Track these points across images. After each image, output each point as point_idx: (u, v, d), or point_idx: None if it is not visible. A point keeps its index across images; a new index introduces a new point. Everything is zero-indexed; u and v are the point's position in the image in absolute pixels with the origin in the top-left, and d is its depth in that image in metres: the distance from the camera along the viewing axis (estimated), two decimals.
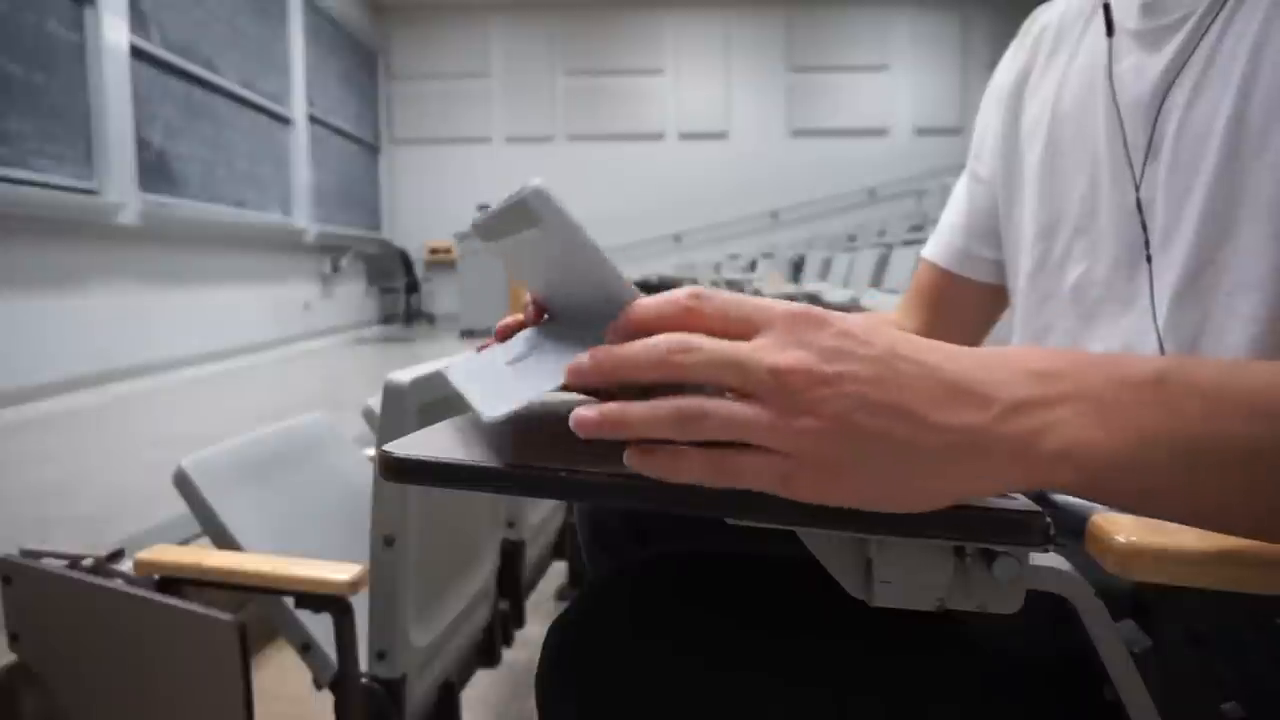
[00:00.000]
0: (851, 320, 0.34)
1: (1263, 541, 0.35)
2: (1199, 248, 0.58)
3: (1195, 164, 0.58)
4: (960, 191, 0.86)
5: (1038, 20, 0.79)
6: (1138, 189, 0.63)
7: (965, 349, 0.36)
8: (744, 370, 0.32)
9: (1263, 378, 0.34)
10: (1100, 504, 0.36)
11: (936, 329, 0.84)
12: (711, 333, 0.34)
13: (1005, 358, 0.35)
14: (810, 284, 3.68)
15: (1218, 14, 0.58)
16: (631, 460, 0.34)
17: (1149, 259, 0.62)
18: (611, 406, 0.33)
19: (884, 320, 0.43)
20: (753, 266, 7.58)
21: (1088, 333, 0.67)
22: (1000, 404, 0.33)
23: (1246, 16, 0.56)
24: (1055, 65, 0.74)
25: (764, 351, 0.32)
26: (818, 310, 0.34)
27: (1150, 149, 0.62)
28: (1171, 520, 0.35)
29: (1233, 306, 0.55)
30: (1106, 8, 0.67)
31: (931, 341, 0.36)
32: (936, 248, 0.86)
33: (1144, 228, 0.62)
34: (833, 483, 0.33)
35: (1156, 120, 0.61)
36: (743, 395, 0.33)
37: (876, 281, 4.42)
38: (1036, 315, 0.73)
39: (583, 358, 0.34)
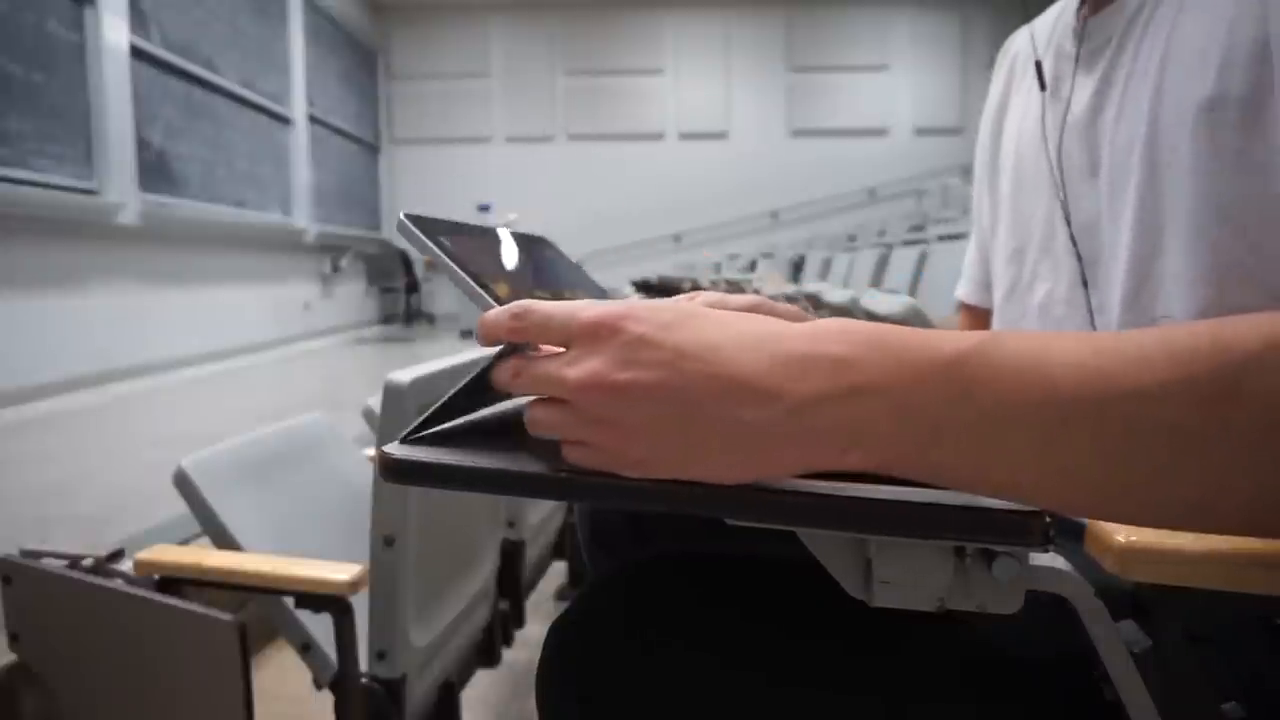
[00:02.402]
0: (648, 321, 0.36)
1: (1066, 515, 0.36)
2: (1136, 263, 0.60)
3: (1126, 182, 0.60)
4: (974, 226, 0.89)
5: (1010, 48, 0.83)
6: (1069, 222, 0.66)
7: (777, 331, 0.36)
8: (552, 386, 0.37)
9: (1065, 360, 0.34)
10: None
11: None
12: (539, 342, 0.39)
13: (812, 342, 0.35)
14: (810, 284, 3.68)
15: (1135, 32, 0.60)
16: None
17: (1085, 283, 0.65)
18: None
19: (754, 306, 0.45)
20: (752, 266, 7.57)
21: None
22: (788, 398, 0.34)
23: (1156, 32, 0.59)
24: (1021, 92, 0.78)
25: (566, 367, 0.37)
26: (613, 316, 0.37)
27: (1090, 168, 0.65)
28: (971, 492, 0.35)
29: (1170, 319, 0.57)
30: (1038, 65, 0.71)
31: (743, 329, 0.36)
32: (962, 286, 0.90)
33: (1079, 258, 0.66)
34: (645, 467, 0.36)
35: (1087, 141, 0.64)
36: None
37: (876, 281, 4.42)
38: None
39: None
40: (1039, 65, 0.71)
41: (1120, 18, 0.63)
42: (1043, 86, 0.70)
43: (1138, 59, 0.60)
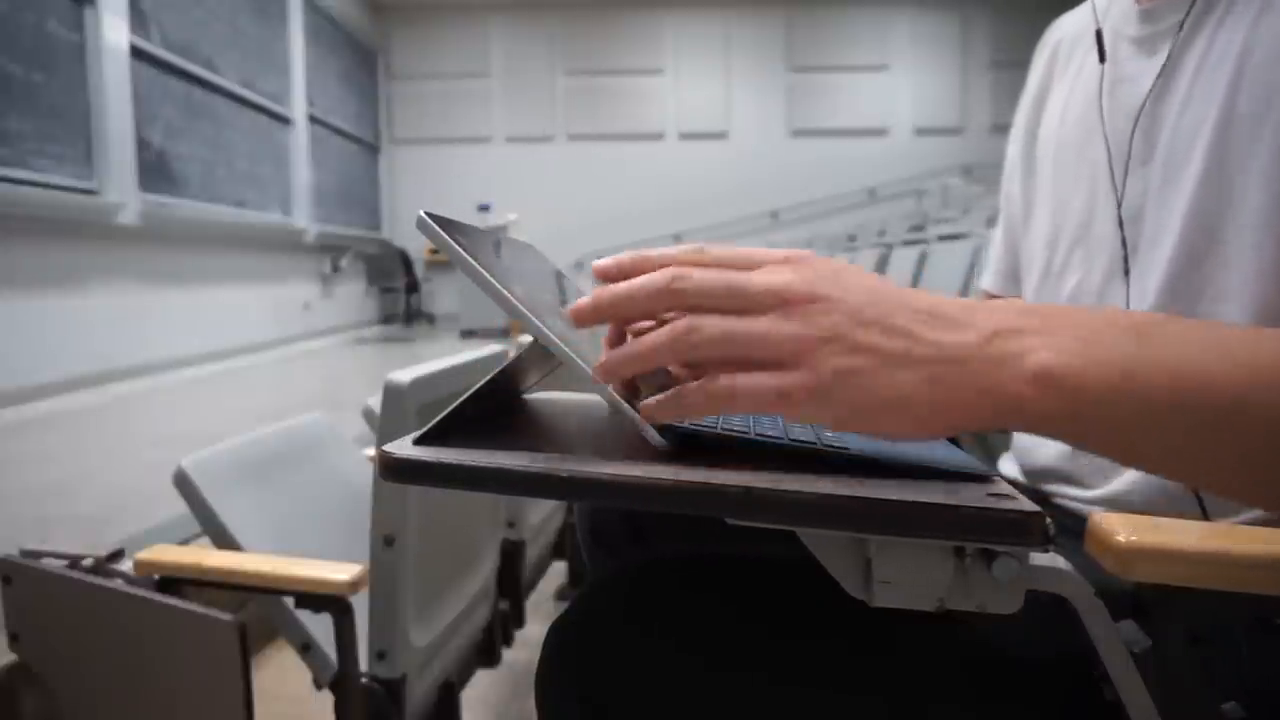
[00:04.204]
0: (836, 262, 0.37)
1: (1223, 496, 0.37)
2: (1185, 254, 0.59)
3: (1182, 170, 0.59)
4: (1001, 216, 0.88)
5: (1054, 34, 0.81)
6: (1119, 205, 0.64)
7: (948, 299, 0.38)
8: (743, 292, 0.35)
9: (1245, 334, 0.36)
10: (1067, 441, 0.37)
11: None
12: (713, 310, 0.36)
13: (988, 304, 0.38)
14: None
15: (1210, 19, 0.59)
16: (646, 413, 0.37)
17: (1126, 273, 0.63)
18: (620, 348, 0.36)
19: None
20: None
21: None
22: (980, 328, 0.36)
23: (1235, 22, 0.57)
24: (1066, 78, 0.76)
25: (761, 275, 0.35)
26: (806, 251, 0.37)
27: (1143, 154, 0.63)
28: (1133, 465, 0.37)
29: (1215, 313, 0.56)
30: (1099, 34, 0.69)
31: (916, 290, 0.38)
32: (987, 276, 0.90)
33: (1124, 244, 0.64)
34: (825, 399, 0.35)
35: (1144, 127, 0.63)
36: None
37: None
38: None
39: (584, 301, 0.37)
40: (1099, 35, 0.69)
41: (1194, 5, 0.61)
42: (1102, 58, 0.68)
43: (1212, 48, 0.58)
